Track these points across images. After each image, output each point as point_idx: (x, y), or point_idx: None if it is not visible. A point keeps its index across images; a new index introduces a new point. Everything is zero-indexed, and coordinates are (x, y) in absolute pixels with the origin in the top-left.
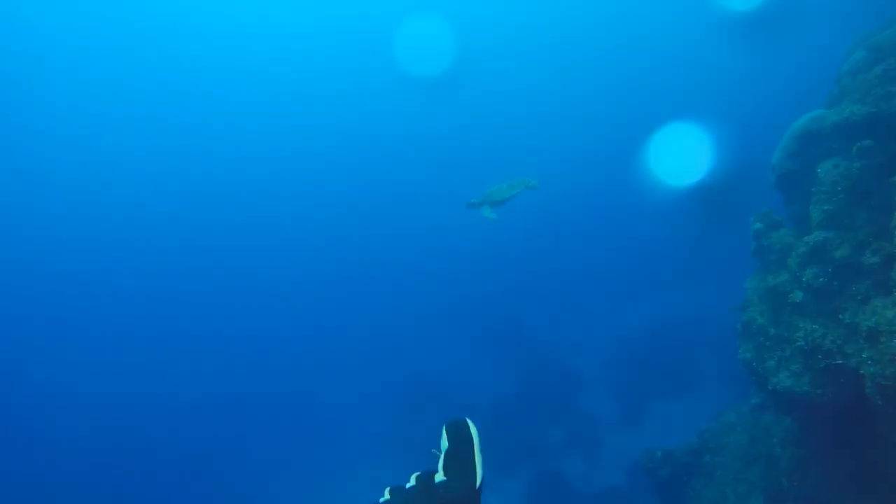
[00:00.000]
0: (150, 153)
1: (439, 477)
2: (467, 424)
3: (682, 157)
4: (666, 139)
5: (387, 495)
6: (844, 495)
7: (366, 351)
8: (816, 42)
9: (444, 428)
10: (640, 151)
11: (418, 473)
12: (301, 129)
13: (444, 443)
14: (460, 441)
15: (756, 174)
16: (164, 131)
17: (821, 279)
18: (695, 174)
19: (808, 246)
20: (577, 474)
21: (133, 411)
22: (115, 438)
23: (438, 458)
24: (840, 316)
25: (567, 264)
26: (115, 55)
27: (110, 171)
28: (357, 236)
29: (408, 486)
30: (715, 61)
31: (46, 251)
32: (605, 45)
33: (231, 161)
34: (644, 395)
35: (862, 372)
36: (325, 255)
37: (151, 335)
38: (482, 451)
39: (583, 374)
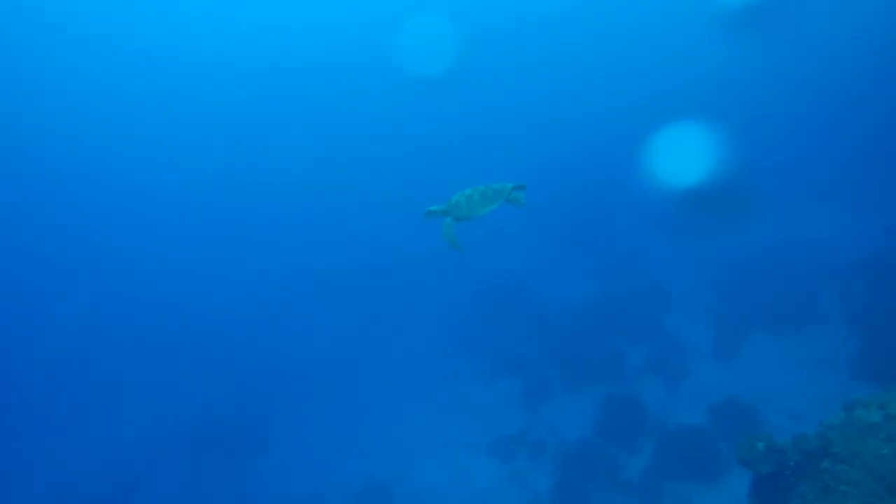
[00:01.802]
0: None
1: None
2: None
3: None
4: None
5: None
6: None
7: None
8: (815, 41)
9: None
10: None
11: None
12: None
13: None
14: None
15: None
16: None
17: None
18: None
19: None
20: (654, 403)
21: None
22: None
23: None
24: None
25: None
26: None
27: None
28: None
29: None
30: (713, 59)
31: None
32: (605, 44)
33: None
34: (744, 324)
35: None
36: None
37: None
38: None
39: (674, 292)
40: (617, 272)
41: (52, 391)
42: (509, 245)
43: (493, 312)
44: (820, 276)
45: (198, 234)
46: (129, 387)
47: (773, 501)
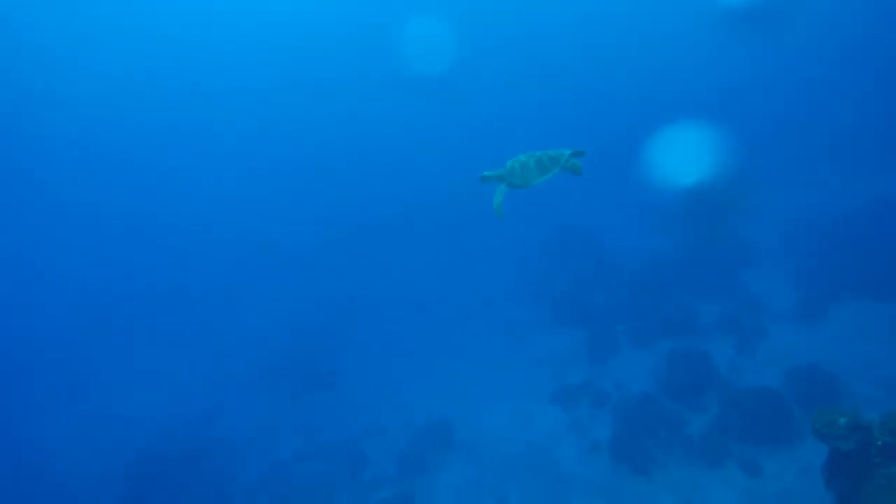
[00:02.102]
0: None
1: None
2: None
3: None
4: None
5: None
6: None
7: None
8: (814, 40)
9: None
10: None
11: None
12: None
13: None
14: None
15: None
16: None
17: None
18: None
19: None
20: (725, 362)
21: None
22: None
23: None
24: None
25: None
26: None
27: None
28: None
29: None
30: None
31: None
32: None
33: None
34: (835, 286)
35: None
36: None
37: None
38: None
39: (758, 247)
40: (695, 223)
41: (153, 324)
42: (583, 192)
43: (564, 261)
44: None
45: (273, 184)
46: (216, 322)
47: (853, 479)
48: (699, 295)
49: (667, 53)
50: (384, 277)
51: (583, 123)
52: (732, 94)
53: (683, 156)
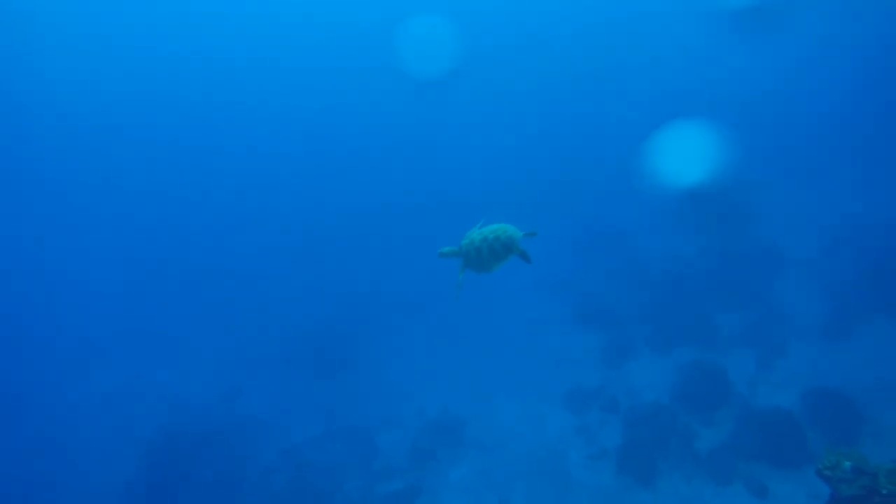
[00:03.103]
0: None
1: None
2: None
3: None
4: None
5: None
6: None
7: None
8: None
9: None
10: None
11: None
12: None
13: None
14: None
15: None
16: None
17: None
18: None
19: None
20: (742, 378)
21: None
22: None
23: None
24: None
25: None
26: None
27: None
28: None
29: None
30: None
31: None
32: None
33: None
34: (865, 304)
35: None
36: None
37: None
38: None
39: (789, 258)
40: (727, 230)
41: (179, 304)
42: (613, 191)
43: (590, 260)
44: None
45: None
46: (241, 305)
47: None
48: (723, 304)
49: (680, 50)
50: (406, 269)
51: (594, 122)
52: (761, 95)
53: (700, 155)
